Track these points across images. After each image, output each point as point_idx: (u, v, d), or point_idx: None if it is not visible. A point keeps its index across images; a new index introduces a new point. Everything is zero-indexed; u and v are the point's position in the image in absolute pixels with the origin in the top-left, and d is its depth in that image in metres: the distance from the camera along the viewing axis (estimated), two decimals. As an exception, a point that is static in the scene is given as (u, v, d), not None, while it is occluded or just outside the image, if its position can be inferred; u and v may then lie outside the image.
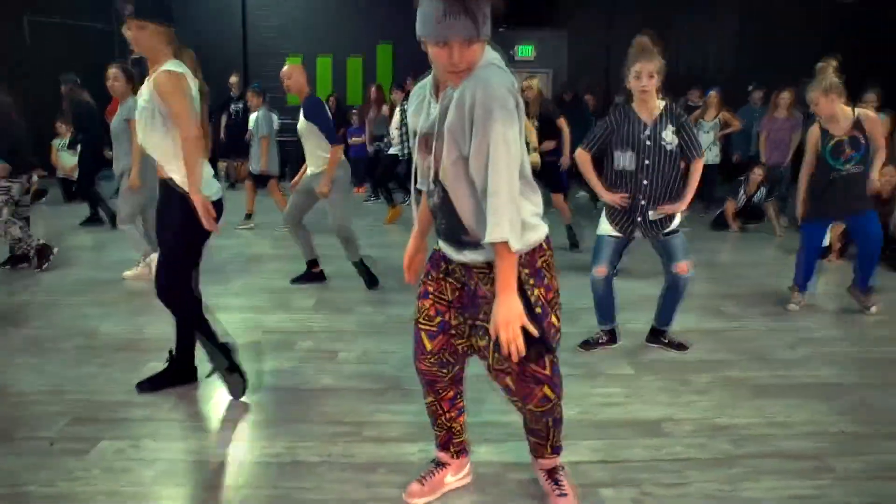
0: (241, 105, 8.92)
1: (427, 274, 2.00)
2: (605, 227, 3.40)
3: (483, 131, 1.58)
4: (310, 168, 4.53)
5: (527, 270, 1.79)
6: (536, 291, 1.81)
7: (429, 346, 1.98)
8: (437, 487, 2.15)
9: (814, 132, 4.08)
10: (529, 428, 2.09)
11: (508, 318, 1.65)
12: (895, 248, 5.55)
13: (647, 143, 3.19)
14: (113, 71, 4.85)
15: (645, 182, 3.21)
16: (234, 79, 9.21)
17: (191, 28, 10.28)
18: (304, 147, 4.52)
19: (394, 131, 7.39)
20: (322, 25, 11.65)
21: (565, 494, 2.09)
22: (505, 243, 1.61)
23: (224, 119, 9.19)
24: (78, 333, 3.69)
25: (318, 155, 4.44)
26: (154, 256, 4.63)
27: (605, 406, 2.87)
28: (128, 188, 4.74)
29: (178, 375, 2.96)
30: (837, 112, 3.90)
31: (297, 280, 4.76)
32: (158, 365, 3.01)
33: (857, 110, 4.00)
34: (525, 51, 11.68)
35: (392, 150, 7.56)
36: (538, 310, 1.79)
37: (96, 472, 2.29)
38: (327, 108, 4.62)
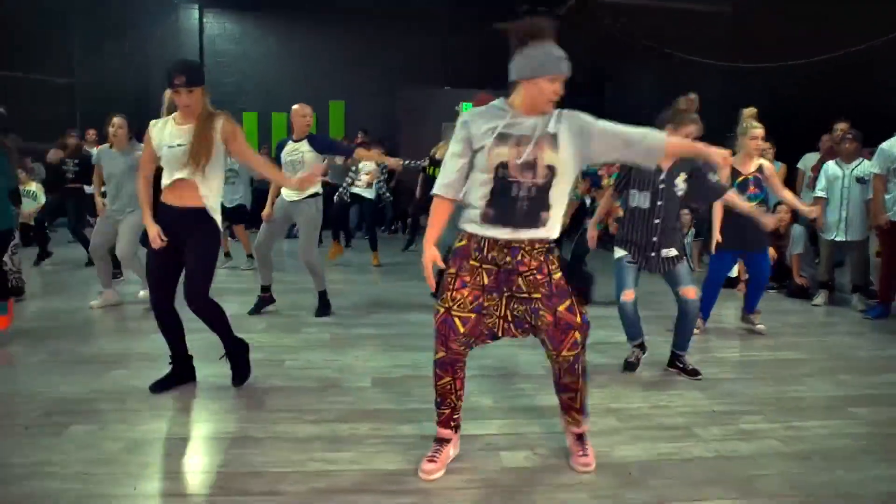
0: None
1: (460, 267, 2.38)
2: (621, 252, 3.71)
3: (604, 128, 2.36)
4: (290, 191, 4.78)
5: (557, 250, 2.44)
6: None
7: (462, 330, 2.35)
8: (444, 461, 2.52)
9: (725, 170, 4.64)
10: (562, 383, 2.52)
11: None
12: (791, 277, 6.27)
13: (661, 186, 3.58)
14: (118, 120, 5.16)
15: (657, 221, 3.60)
16: None
17: (150, 84, 10.86)
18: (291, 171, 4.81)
19: (363, 176, 7.82)
20: (277, 83, 12.26)
21: (586, 455, 2.57)
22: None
23: None
24: (44, 352, 4.00)
25: None
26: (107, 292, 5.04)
27: (518, 397, 3.34)
28: (131, 227, 5.03)
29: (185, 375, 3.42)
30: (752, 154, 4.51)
31: (255, 310, 5.06)
32: (124, 373, 3.38)
33: (761, 160, 4.63)
34: (467, 107, 12.55)
35: (364, 193, 7.88)
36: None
37: (69, 447, 2.64)
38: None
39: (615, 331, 4.19)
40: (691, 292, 3.64)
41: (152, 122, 3.28)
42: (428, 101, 11.17)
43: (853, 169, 5.72)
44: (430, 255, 2.41)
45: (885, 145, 5.41)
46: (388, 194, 8.52)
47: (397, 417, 3.00)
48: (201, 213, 3.20)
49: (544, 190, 2.29)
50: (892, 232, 5.32)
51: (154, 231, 3.15)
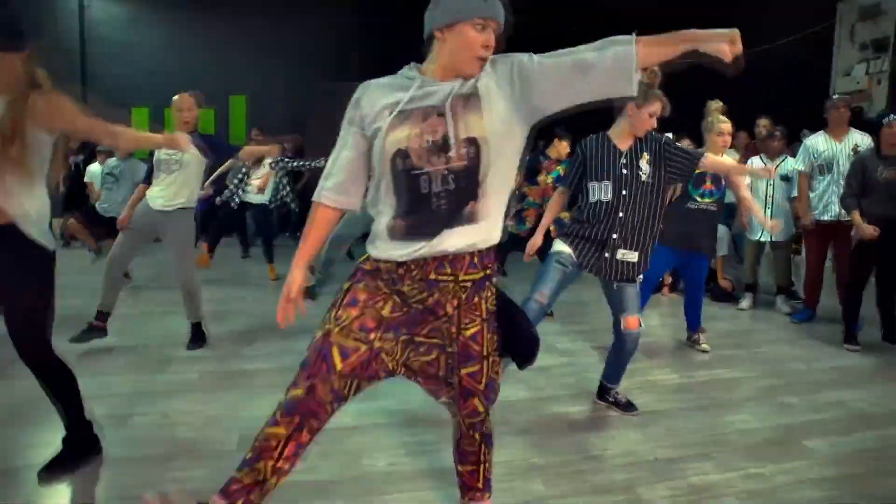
0: (80, 158, 8.33)
1: (357, 280, 1.76)
2: (562, 248, 3.05)
3: (546, 62, 1.66)
4: (159, 195, 4.00)
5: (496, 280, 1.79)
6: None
7: (339, 366, 1.65)
8: None
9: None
10: (461, 450, 1.98)
11: None
12: (715, 280, 5.97)
13: (623, 171, 2.94)
14: None
15: (621, 215, 2.96)
16: None
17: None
18: (167, 172, 4.03)
19: (254, 181, 6.94)
20: (170, 76, 11.11)
21: None
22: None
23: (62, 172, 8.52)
24: None
25: (179, 189, 4.01)
26: None
27: (419, 455, 2.70)
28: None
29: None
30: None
31: (79, 339, 4.02)
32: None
33: (725, 156, 4.14)
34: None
35: (254, 199, 7.00)
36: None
37: None
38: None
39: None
40: (634, 322, 2.98)
41: None
42: (338, 94, 10.30)
43: (777, 166, 5.45)
44: (293, 278, 1.78)
45: (808, 141, 5.17)
46: (291, 196, 7.61)
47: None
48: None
49: (470, 175, 1.63)
50: (818, 232, 5.08)
51: None
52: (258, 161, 6.87)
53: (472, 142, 1.61)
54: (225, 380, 3.57)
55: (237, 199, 6.86)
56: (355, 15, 10.87)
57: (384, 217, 1.71)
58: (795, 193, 5.26)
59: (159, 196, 4.01)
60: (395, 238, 1.68)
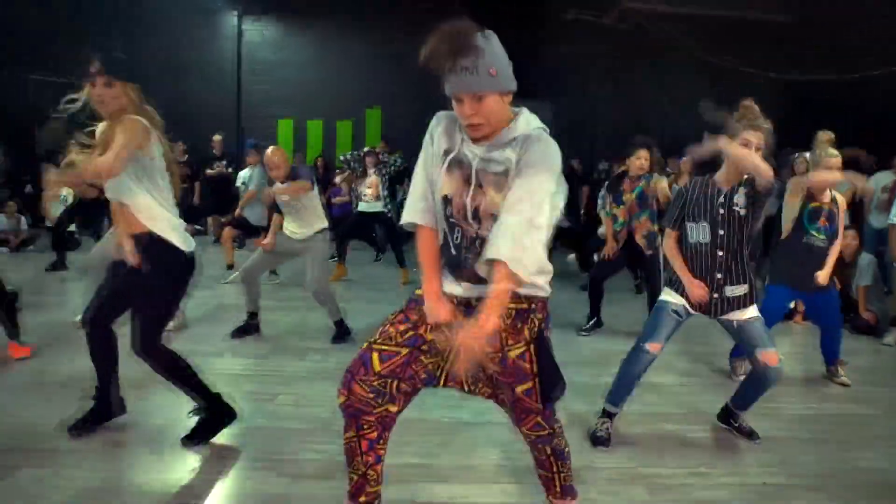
0: (223, 162, 9.32)
1: (412, 307, 1.94)
2: (671, 297, 3.09)
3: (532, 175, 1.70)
4: (294, 230, 4.65)
5: (540, 316, 1.89)
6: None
7: (378, 367, 1.87)
8: None
9: (800, 183, 3.94)
10: (535, 458, 2.14)
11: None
12: (857, 311, 5.61)
13: (720, 212, 2.95)
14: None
15: (720, 254, 2.98)
16: (217, 137, 9.58)
17: (187, 91, 10.80)
18: (288, 211, 4.68)
19: (367, 190, 7.48)
20: (313, 90, 12.07)
21: None
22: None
23: (201, 176, 9.61)
24: (27, 369, 3.73)
25: (305, 220, 4.63)
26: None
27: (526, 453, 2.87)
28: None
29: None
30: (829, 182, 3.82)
31: (237, 333, 4.67)
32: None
33: (836, 192, 3.98)
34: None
35: (371, 208, 7.53)
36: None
37: (14, 493, 2.31)
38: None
39: (653, 372, 3.68)
40: (774, 357, 2.92)
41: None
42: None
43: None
44: (444, 313, 1.83)
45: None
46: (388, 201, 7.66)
47: (387, 474, 2.54)
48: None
49: (478, 235, 1.81)
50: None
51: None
52: (364, 171, 7.44)
53: (495, 217, 1.75)
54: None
55: (357, 212, 7.39)
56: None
57: (442, 250, 1.90)
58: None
59: (295, 231, 4.69)
60: (444, 273, 1.89)
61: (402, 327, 1.91)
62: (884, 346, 5.19)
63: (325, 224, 4.73)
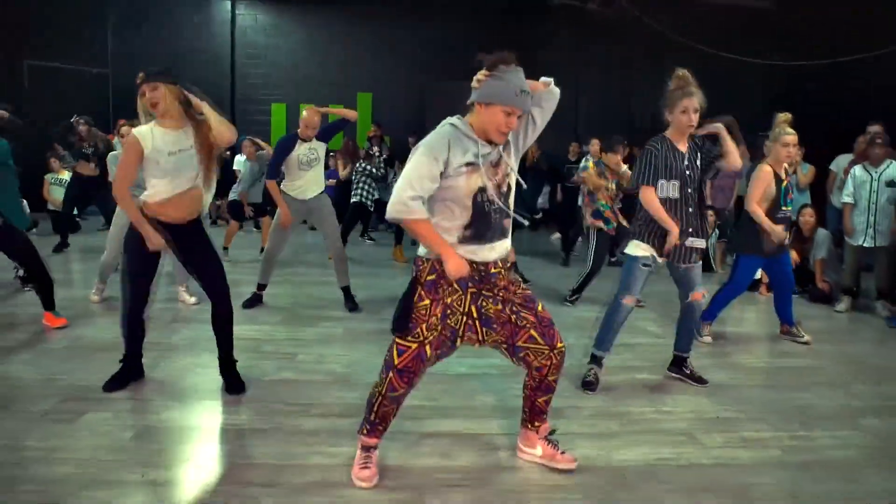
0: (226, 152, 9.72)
1: (434, 299, 2.29)
2: (640, 250, 3.47)
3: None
4: (306, 188, 5.01)
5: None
6: None
7: (429, 354, 2.31)
8: (377, 464, 2.48)
9: (767, 171, 4.36)
10: (546, 383, 2.50)
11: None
12: (813, 282, 6.16)
13: (688, 172, 3.42)
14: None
15: (690, 210, 3.44)
16: None
17: (182, 75, 11.04)
18: (307, 168, 5.01)
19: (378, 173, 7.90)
20: (306, 75, 12.38)
21: (565, 451, 2.61)
22: None
23: None
24: (63, 337, 4.14)
25: (318, 177, 5.08)
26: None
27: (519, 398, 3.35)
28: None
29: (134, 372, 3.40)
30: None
31: (248, 303, 5.09)
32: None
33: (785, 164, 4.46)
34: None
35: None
36: None
37: (83, 433, 2.75)
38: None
39: (628, 334, 4.17)
40: (699, 295, 3.57)
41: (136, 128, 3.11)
42: (450, 93, 11.04)
43: (881, 173, 5.58)
44: (466, 266, 2.24)
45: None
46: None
47: (400, 413, 3.01)
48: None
49: (507, 199, 2.37)
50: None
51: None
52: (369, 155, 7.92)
53: (511, 181, 2.39)
54: (364, 335, 4.40)
55: (370, 202, 7.77)
56: (468, 21, 11.58)
57: (449, 230, 2.27)
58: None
59: (311, 188, 5.02)
60: (463, 242, 2.28)
61: (437, 310, 2.29)
62: (836, 312, 5.72)
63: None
